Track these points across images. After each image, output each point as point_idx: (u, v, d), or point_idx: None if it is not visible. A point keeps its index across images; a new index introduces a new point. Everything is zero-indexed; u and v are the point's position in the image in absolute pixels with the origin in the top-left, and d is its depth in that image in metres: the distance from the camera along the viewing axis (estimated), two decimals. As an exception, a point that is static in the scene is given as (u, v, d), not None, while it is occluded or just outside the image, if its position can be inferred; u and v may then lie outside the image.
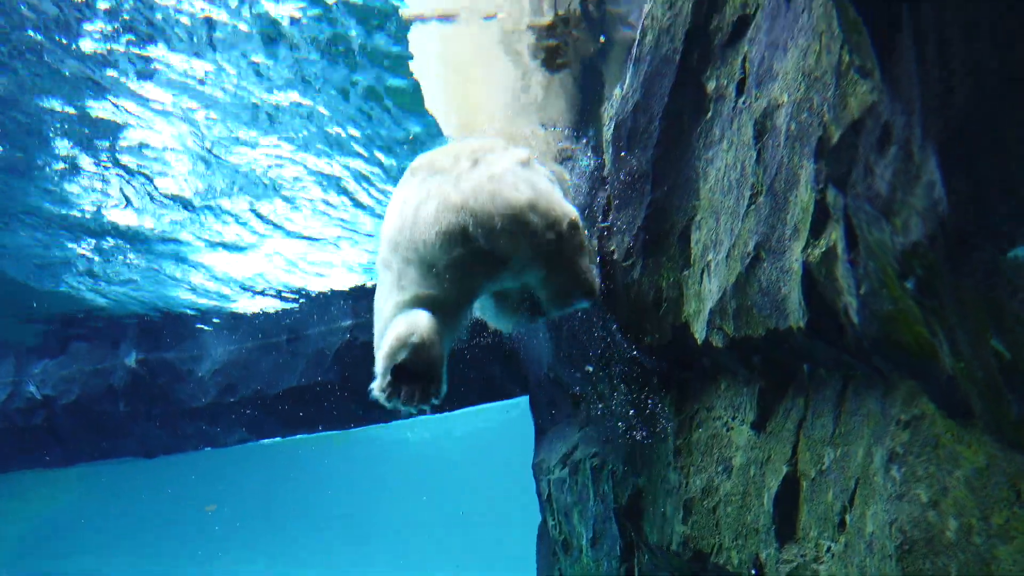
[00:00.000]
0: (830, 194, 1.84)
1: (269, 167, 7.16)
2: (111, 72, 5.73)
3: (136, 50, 5.49)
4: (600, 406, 5.89)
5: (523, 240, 3.54)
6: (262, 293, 10.15)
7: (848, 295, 1.84)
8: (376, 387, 3.50)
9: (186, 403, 10.69)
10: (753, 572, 2.97)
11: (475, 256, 3.52)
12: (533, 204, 3.54)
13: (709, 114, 3.23)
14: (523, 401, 8.56)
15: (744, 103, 2.85)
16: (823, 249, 2.14)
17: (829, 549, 2.41)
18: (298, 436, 10.79)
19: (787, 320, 2.48)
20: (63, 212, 7.93)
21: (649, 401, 4.54)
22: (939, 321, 1.32)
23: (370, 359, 9.33)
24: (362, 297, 9.72)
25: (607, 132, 4.58)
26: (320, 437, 12.39)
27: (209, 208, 7.94)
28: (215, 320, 10.66)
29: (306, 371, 9.63)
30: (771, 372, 3.02)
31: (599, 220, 4.55)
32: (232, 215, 8.12)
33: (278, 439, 11.01)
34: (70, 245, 8.73)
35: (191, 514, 29.60)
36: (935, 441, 1.88)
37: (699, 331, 3.42)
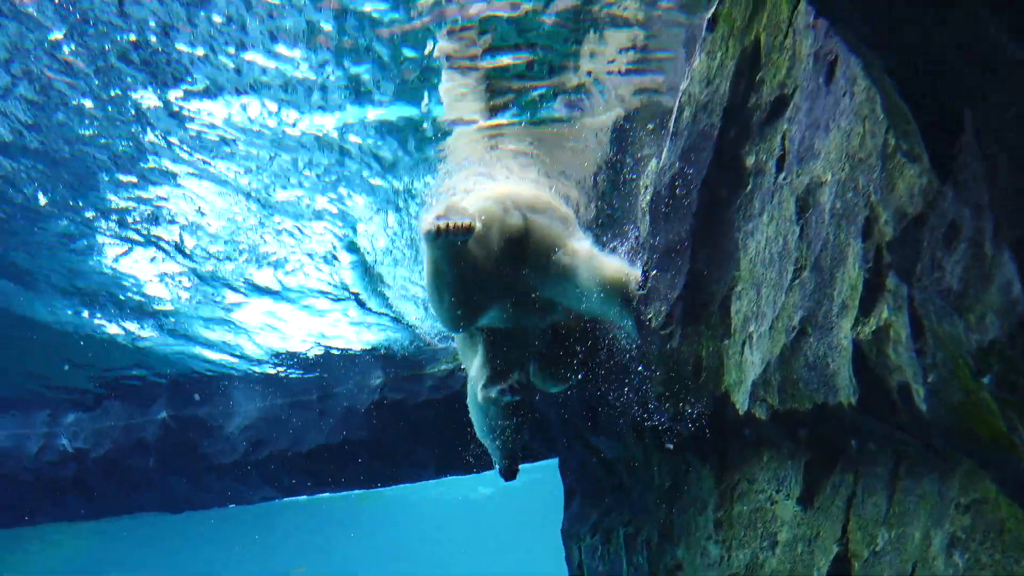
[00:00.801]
0: (891, 282, 1.86)
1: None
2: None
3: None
4: (634, 474, 5.82)
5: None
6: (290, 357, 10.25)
7: (914, 382, 1.84)
8: (424, 224, 4.36)
9: (214, 459, 10.70)
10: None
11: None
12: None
13: (748, 188, 3.28)
14: (552, 463, 8.46)
15: (785, 179, 2.89)
16: (874, 328, 2.15)
17: (885, 635, 2.35)
18: (325, 495, 10.72)
19: (836, 396, 2.47)
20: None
21: (687, 470, 4.48)
22: (1019, 416, 1.32)
23: (399, 418, 9.25)
24: (391, 359, 9.78)
25: (643, 201, 4.65)
26: (345, 496, 12.32)
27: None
28: (244, 379, 10.75)
29: (335, 429, 9.63)
30: (818, 446, 2.99)
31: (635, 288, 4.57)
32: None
33: (304, 497, 10.94)
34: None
35: (207, 569, 29.26)
36: (999, 526, 1.85)
37: (741, 402, 3.40)
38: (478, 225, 4.39)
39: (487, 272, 4.69)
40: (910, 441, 2.30)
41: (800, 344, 2.70)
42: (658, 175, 4.01)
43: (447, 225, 4.25)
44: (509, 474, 6.14)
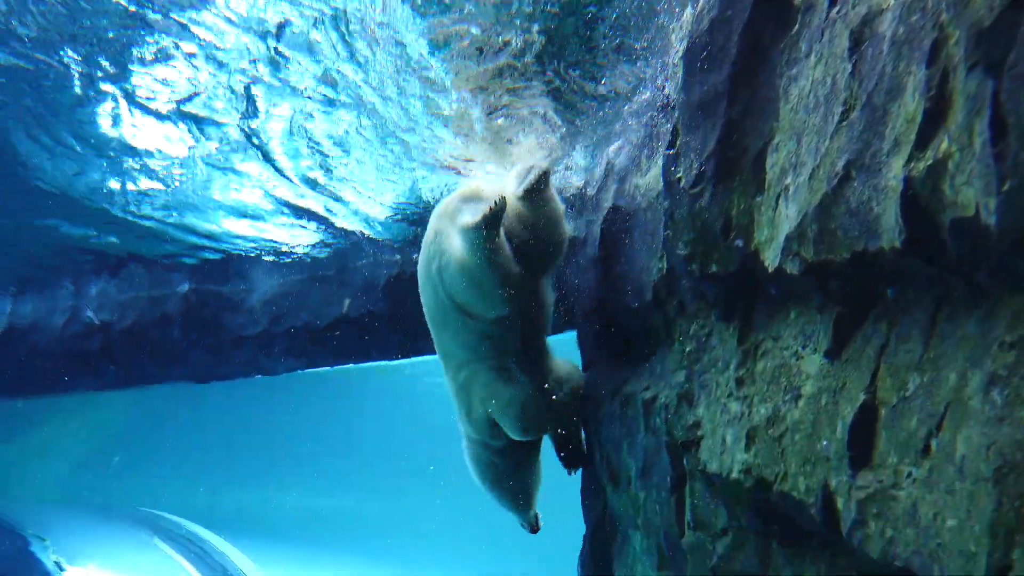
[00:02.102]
0: (971, 83, 1.72)
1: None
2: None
3: None
4: (654, 341, 5.85)
5: None
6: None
7: (983, 196, 1.74)
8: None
9: (237, 331, 10.93)
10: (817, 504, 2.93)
11: None
12: None
13: (795, 28, 3.07)
14: (570, 336, 8.55)
15: (839, 12, 2.69)
16: (930, 161, 2.03)
17: (910, 475, 2.36)
18: (347, 366, 10.98)
19: (879, 240, 2.39)
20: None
21: (709, 334, 4.48)
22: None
23: (417, 292, 9.49)
24: (408, 234, 9.73)
25: (675, 55, 4.42)
26: (363, 370, 12.67)
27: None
28: (264, 257, 10.78)
29: (354, 302, 9.75)
30: (850, 299, 2.93)
31: (664, 148, 4.42)
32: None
33: (326, 368, 11.22)
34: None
35: (233, 440, 30.59)
36: (1046, 360, 1.80)
37: (771, 259, 3.33)
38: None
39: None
40: (954, 283, 2.23)
41: (842, 190, 2.59)
42: (695, 22, 3.77)
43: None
44: (533, 526, 6.56)
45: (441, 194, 8.46)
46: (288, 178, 8.66)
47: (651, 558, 5.46)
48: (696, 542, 4.46)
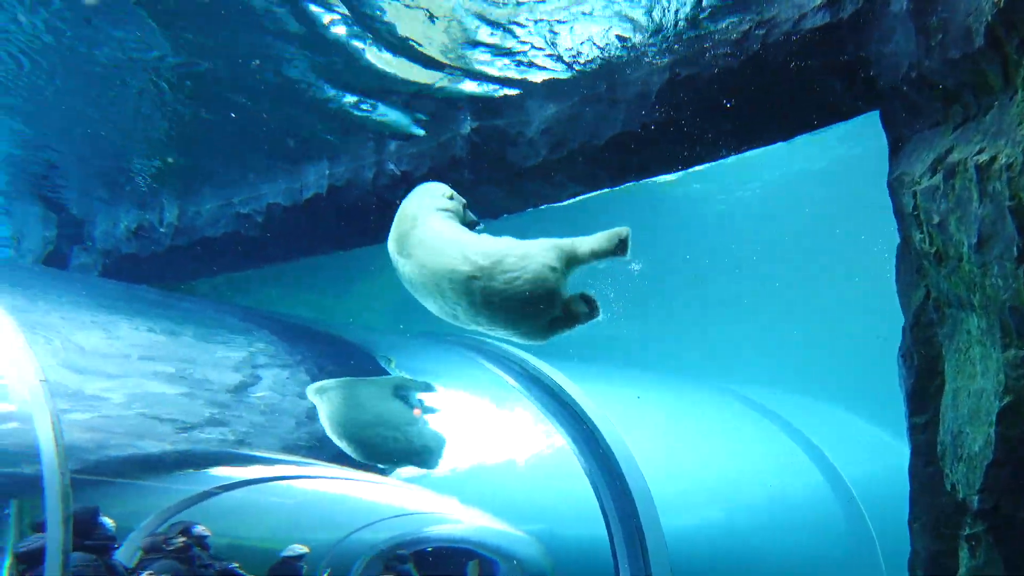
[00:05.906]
0: None
1: None
2: None
3: None
4: (987, 97, 5.02)
5: None
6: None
7: None
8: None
9: (520, 164, 11.43)
10: None
11: None
12: None
13: None
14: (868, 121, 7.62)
15: None
16: None
17: None
18: (627, 184, 11.01)
19: None
20: None
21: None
22: None
23: (694, 95, 8.97)
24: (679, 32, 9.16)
25: None
26: (634, 195, 12.54)
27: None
28: (534, 82, 10.92)
29: (628, 117, 9.60)
30: None
31: None
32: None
33: (607, 190, 11.36)
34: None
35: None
36: None
37: None
38: None
39: None
40: None
41: None
42: None
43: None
44: None
45: None
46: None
47: (993, 338, 4.97)
48: (1056, 309, 3.94)
